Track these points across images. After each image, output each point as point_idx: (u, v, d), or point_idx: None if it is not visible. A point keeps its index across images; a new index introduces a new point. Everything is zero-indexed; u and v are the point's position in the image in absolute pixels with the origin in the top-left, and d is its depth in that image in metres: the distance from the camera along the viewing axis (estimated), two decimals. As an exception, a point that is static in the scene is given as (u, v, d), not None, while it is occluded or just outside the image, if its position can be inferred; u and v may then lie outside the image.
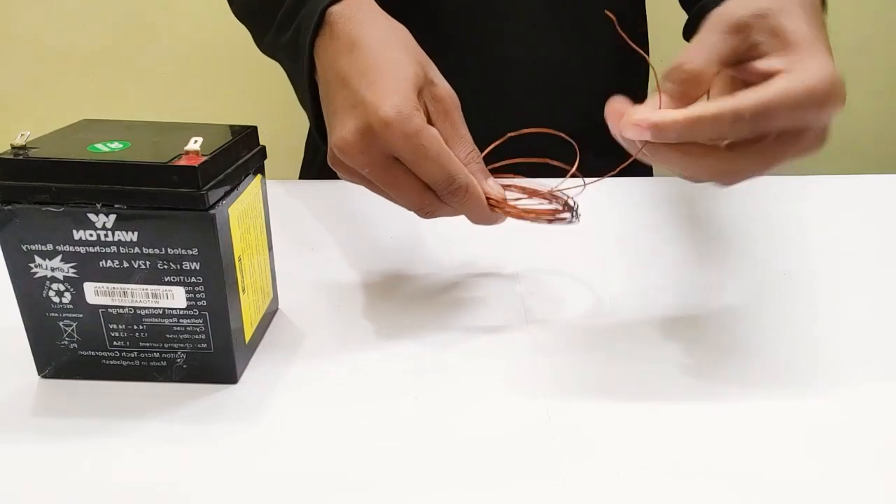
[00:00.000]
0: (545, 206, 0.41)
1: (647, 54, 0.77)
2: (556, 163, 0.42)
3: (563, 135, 0.41)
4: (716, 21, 0.36)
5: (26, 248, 0.32)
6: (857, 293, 0.46)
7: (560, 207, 0.40)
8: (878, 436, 0.32)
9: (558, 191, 0.42)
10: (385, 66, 0.40)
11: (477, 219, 0.41)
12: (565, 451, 0.31)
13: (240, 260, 0.35)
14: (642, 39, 0.76)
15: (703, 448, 0.32)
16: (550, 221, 0.40)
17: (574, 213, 0.40)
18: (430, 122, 0.40)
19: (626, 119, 0.34)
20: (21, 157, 0.31)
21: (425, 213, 0.41)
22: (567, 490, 0.29)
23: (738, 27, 0.35)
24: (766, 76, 0.34)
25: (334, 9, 0.44)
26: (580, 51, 0.69)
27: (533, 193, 0.43)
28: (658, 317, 0.43)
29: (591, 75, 0.70)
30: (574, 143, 0.41)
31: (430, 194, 0.39)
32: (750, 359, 0.38)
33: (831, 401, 0.35)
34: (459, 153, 0.40)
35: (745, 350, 0.39)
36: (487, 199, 0.40)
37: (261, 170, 0.38)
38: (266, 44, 0.55)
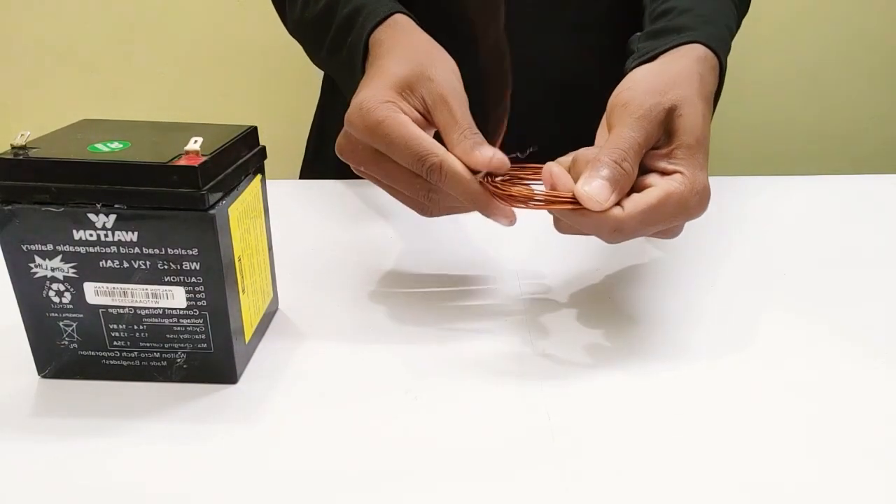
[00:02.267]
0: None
1: None
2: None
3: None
4: (627, 112, 0.39)
5: (26, 248, 0.32)
6: (857, 293, 0.46)
7: (560, 195, 0.37)
8: (885, 436, 0.33)
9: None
10: (374, 73, 0.43)
11: (471, 200, 0.39)
12: (565, 451, 0.31)
13: (240, 260, 0.35)
14: None
15: (704, 449, 0.32)
16: (544, 206, 0.37)
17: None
18: (427, 113, 0.41)
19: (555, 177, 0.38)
20: (21, 157, 0.31)
21: (421, 205, 0.41)
22: (567, 489, 0.29)
23: (647, 120, 0.38)
24: (654, 170, 0.39)
25: (373, 37, 0.47)
26: (581, 50, 0.70)
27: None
28: (658, 317, 0.43)
29: (592, 74, 0.70)
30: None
31: (419, 180, 0.40)
32: (751, 359, 0.39)
33: (834, 402, 0.35)
34: (452, 137, 0.40)
35: (745, 350, 0.39)
36: (491, 186, 0.38)
37: (261, 170, 0.38)
38: (320, 60, 0.59)
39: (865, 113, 1.34)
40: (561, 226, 0.40)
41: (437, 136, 0.41)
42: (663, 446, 0.32)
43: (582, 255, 0.51)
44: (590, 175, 0.36)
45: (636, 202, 0.37)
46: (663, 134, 0.39)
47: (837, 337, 0.41)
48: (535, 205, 0.37)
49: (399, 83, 0.41)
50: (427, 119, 0.42)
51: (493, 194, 0.38)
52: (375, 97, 0.40)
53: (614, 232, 0.37)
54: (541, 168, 0.39)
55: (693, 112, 0.39)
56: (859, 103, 1.33)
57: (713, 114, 0.45)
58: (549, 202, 0.37)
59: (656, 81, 0.40)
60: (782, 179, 0.68)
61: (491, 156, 0.38)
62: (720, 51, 0.46)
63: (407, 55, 0.43)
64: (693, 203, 0.37)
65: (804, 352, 0.39)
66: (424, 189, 0.41)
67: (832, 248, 0.53)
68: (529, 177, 0.41)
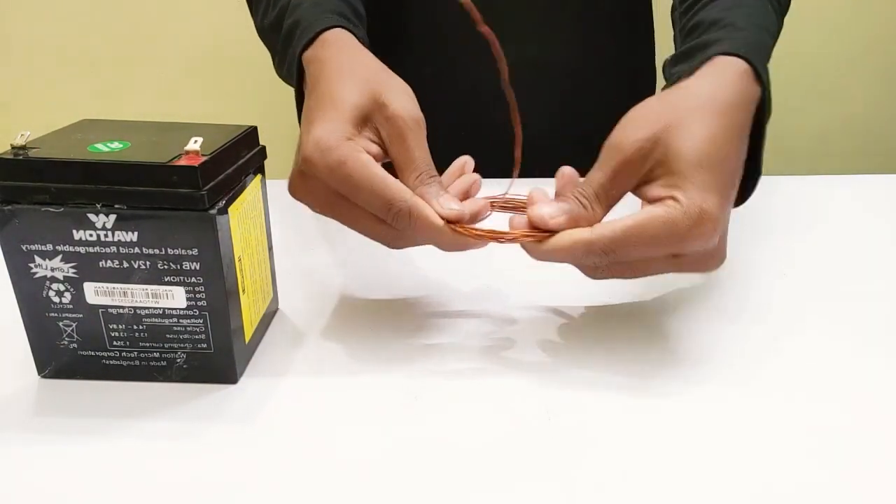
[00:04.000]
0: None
1: (654, 54, 0.76)
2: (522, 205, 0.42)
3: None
4: (609, 153, 0.37)
5: (26, 248, 0.32)
6: (857, 293, 0.46)
7: (528, 230, 0.38)
8: (888, 435, 0.33)
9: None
10: (325, 102, 0.39)
11: (440, 244, 0.38)
12: (565, 452, 0.31)
13: (240, 260, 0.35)
14: (648, 40, 0.76)
15: (705, 449, 0.32)
16: (513, 241, 0.38)
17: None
18: (383, 144, 0.39)
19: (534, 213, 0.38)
20: (21, 157, 0.31)
21: (388, 244, 0.40)
22: (568, 490, 0.29)
23: (618, 160, 0.37)
24: (652, 201, 0.37)
25: (307, 54, 0.45)
26: (582, 52, 0.70)
27: (518, 208, 0.42)
28: (658, 318, 0.43)
29: (594, 77, 0.71)
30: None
31: (382, 224, 0.38)
32: (750, 359, 0.38)
33: (833, 401, 0.35)
34: (409, 178, 0.38)
35: (745, 350, 0.39)
36: (447, 221, 0.38)
37: (261, 170, 0.38)
38: (276, 70, 0.56)
39: (867, 112, 1.34)
40: (536, 255, 0.39)
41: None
42: (663, 447, 0.32)
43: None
44: (548, 203, 0.38)
45: (610, 224, 0.36)
46: (656, 164, 0.37)
47: (838, 337, 0.41)
48: (503, 240, 0.38)
49: (355, 115, 0.38)
50: (384, 149, 0.39)
51: (463, 236, 0.38)
52: (335, 133, 0.37)
53: (587, 255, 0.36)
54: (509, 201, 0.42)
55: (681, 136, 0.36)
56: (860, 102, 1.33)
57: (761, 117, 0.41)
58: (515, 236, 0.38)
59: (649, 112, 0.38)
60: (782, 179, 0.68)
61: (457, 210, 0.38)
62: (750, 54, 0.41)
63: (356, 79, 0.40)
64: (684, 227, 0.35)
65: (805, 351, 0.39)
66: (390, 235, 0.39)
67: (832, 248, 0.53)
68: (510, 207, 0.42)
